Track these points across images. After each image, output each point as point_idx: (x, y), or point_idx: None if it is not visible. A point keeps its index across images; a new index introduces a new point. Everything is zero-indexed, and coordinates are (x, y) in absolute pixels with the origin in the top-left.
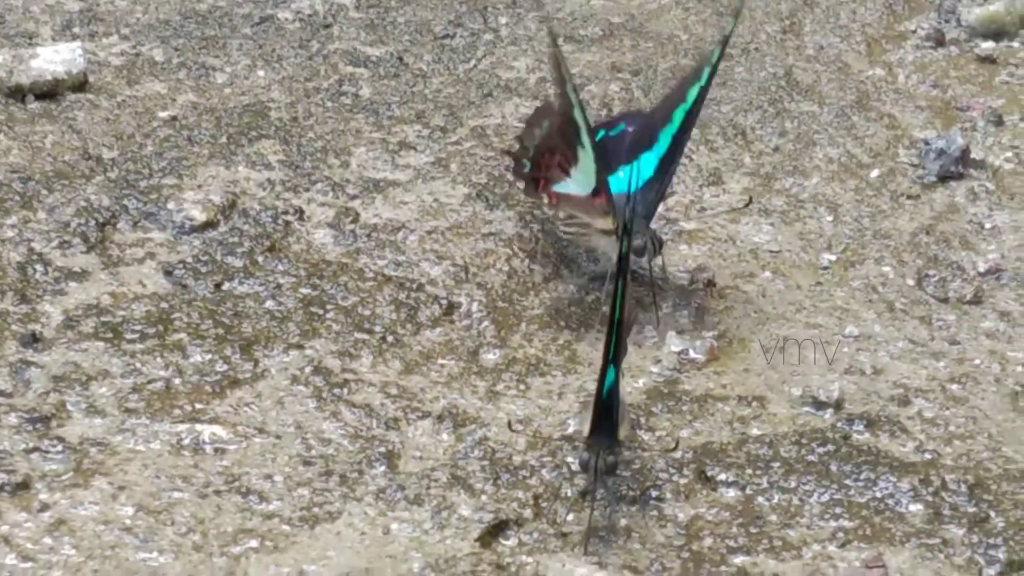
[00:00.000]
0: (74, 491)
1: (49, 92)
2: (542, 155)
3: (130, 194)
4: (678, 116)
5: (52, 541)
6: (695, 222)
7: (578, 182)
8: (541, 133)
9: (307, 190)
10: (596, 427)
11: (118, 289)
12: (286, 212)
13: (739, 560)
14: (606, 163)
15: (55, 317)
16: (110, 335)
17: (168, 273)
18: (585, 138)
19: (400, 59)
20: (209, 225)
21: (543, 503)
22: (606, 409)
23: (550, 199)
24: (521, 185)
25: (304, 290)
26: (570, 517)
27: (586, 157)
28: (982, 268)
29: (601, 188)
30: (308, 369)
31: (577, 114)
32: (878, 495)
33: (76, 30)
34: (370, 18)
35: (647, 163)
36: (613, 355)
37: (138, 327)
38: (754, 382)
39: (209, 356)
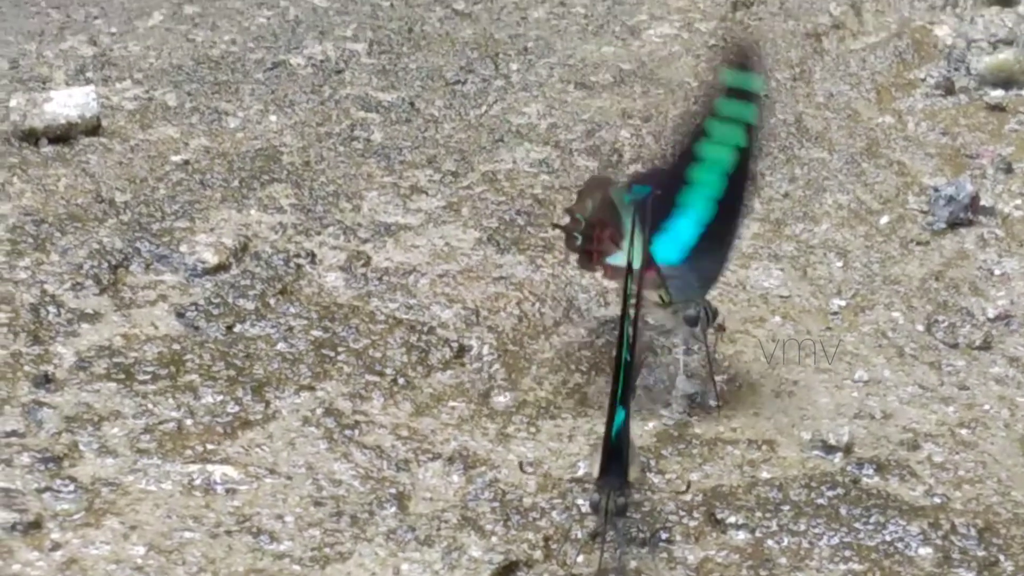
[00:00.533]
0: (86, 530)
1: (62, 136)
2: (593, 228)
3: (142, 237)
4: (706, 177)
5: None
6: None
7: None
8: (593, 205)
9: (319, 233)
10: (605, 468)
11: (130, 331)
12: (298, 255)
13: None
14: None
15: (68, 358)
16: (122, 376)
17: (180, 315)
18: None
19: (412, 104)
20: (221, 268)
21: (553, 544)
22: (615, 451)
23: (605, 271)
24: (575, 257)
25: (316, 332)
26: (580, 559)
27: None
28: (991, 314)
29: (650, 262)
30: (319, 411)
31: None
32: (888, 539)
33: (89, 75)
34: (382, 64)
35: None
36: (621, 396)
37: (150, 368)
38: (764, 426)
39: (221, 397)
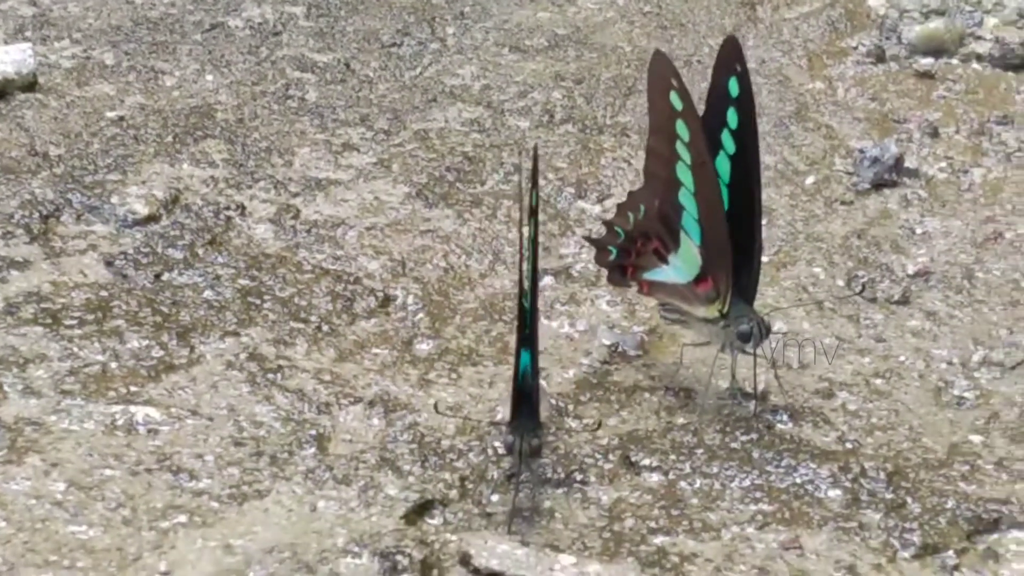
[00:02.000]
0: (7, 467)
1: None
2: (635, 241)
3: (74, 189)
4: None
5: None
6: None
7: (677, 269)
8: (635, 218)
9: (250, 187)
10: (516, 410)
11: (59, 278)
12: (228, 208)
13: (659, 540)
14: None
15: None
16: (49, 321)
17: (109, 264)
18: (690, 222)
19: (347, 66)
20: (151, 219)
21: (469, 485)
22: (525, 393)
23: (640, 287)
24: (606, 273)
25: (243, 281)
26: (495, 498)
27: (689, 243)
28: (911, 270)
29: (707, 275)
30: (243, 355)
31: (684, 196)
32: (798, 481)
33: (28, 34)
34: (319, 27)
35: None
36: (527, 338)
37: (77, 314)
38: (683, 375)
39: (146, 342)
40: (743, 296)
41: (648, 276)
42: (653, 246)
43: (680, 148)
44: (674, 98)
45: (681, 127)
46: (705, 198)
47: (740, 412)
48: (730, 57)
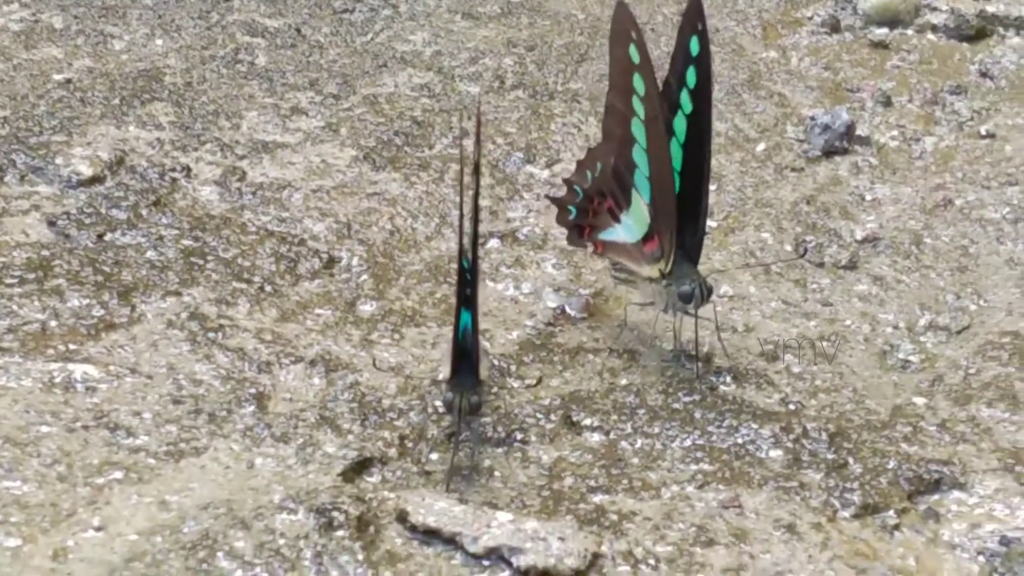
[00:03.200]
0: None
1: None
2: (591, 199)
3: (19, 150)
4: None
5: None
6: None
7: (628, 228)
8: (593, 176)
9: (196, 149)
10: (456, 368)
11: (1, 238)
12: (173, 169)
13: (598, 499)
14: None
15: None
16: None
17: (52, 224)
18: (641, 180)
19: (298, 31)
20: (96, 180)
21: (408, 443)
22: (464, 351)
23: (595, 247)
24: (564, 232)
25: (186, 242)
26: (434, 457)
27: (640, 201)
28: (859, 236)
29: (656, 232)
30: (184, 315)
31: (637, 153)
32: (739, 441)
33: None
34: None
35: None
36: (467, 296)
37: (17, 273)
38: (627, 336)
39: (87, 301)
40: (689, 257)
41: (602, 236)
42: (607, 205)
43: (635, 103)
44: (632, 51)
45: (637, 81)
46: (655, 155)
47: (683, 374)
48: (693, 15)
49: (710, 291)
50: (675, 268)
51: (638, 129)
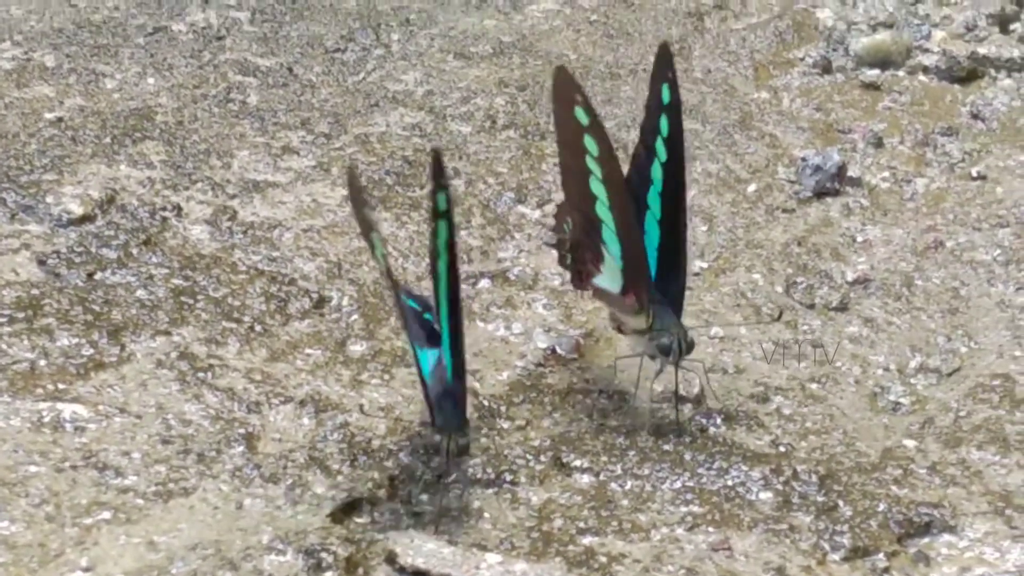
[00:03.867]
0: None
1: None
2: (576, 248)
3: (9, 188)
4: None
5: None
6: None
7: (607, 279)
8: (568, 228)
9: (187, 188)
10: (433, 410)
11: None
12: (164, 208)
13: (587, 540)
14: (642, 257)
15: None
16: None
17: (42, 263)
18: (609, 236)
19: (290, 70)
20: (86, 219)
21: (398, 484)
22: (448, 391)
23: (593, 292)
24: (558, 273)
25: (176, 281)
26: (424, 498)
27: (610, 257)
28: (850, 277)
29: (630, 287)
30: (174, 354)
31: (601, 210)
32: (729, 483)
33: None
34: (263, 31)
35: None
36: (448, 339)
37: (7, 312)
38: (618, 378)
39: (76, 340)
40: (673, 305)
41: (595, 282)
42: (588, 255)
43: (590, 163)
44: (579, 113)
45: (589, 142)
46: (619, 214)
47: (673, 416)
48: (663, 64)
49: (691, 345)
50: (656, 320)
51: (598, 187)
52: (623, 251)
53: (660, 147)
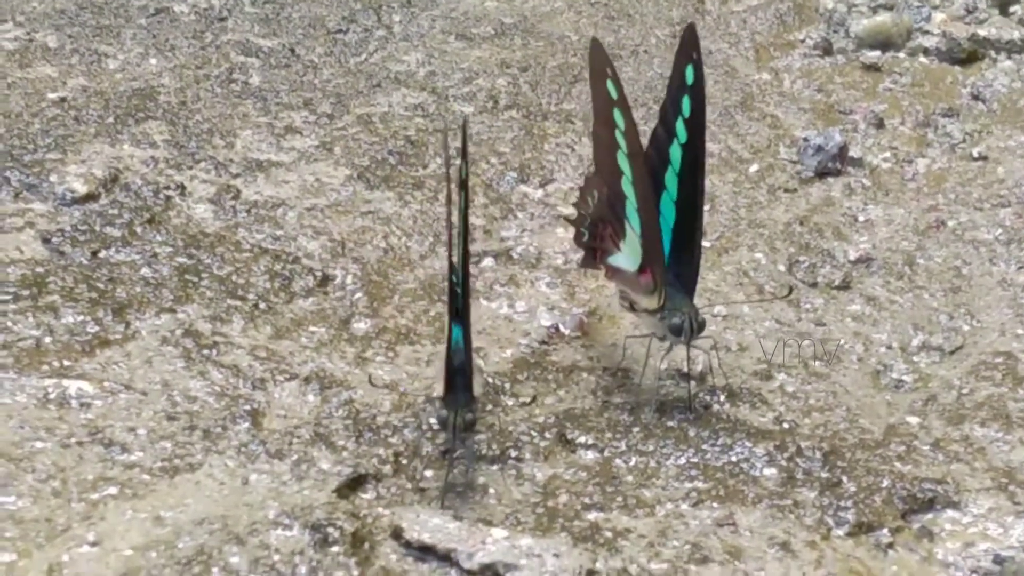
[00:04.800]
0: None
1: None
2: (596, 225)
3: (13, 167)
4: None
5: None
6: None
7: (626, 257)
8: (593, 202)
9: (190, 168)
10: (450, 385)
11: None
12: (168, 187)
13: (592, 516)
14: (658, 235)
15: None
16: None
17: (46, 241)
18: (632, 212)
19: (292, 51)
20: (90, 197)
21: (403, 460)
22: (458, 367)
23: (606, 272)
24: (580, 254)
25: (180, 259)
26: (429, 474)
27: (632, 233)
28: (853, 256)
29: (647, 265)
30: (179, 331)
31: (626, 185)
32: (734, 459)
33: None
34: (265, 13)
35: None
36: (458, 312)
37: (11, 289)
38: (621, 355)
39: (81, 318)
40: (685, 286)
41: (610, 260)
42: (608, 231)
43: (618, 136)
44: (610, 86)
45: (617, 115)
46: (640, 190)
47: (678, 393)
48: (688, 44)
49: (702, 325)
50: (668, 300)
51: (624, 162)
52: (642, 228)
53: (680, 127)
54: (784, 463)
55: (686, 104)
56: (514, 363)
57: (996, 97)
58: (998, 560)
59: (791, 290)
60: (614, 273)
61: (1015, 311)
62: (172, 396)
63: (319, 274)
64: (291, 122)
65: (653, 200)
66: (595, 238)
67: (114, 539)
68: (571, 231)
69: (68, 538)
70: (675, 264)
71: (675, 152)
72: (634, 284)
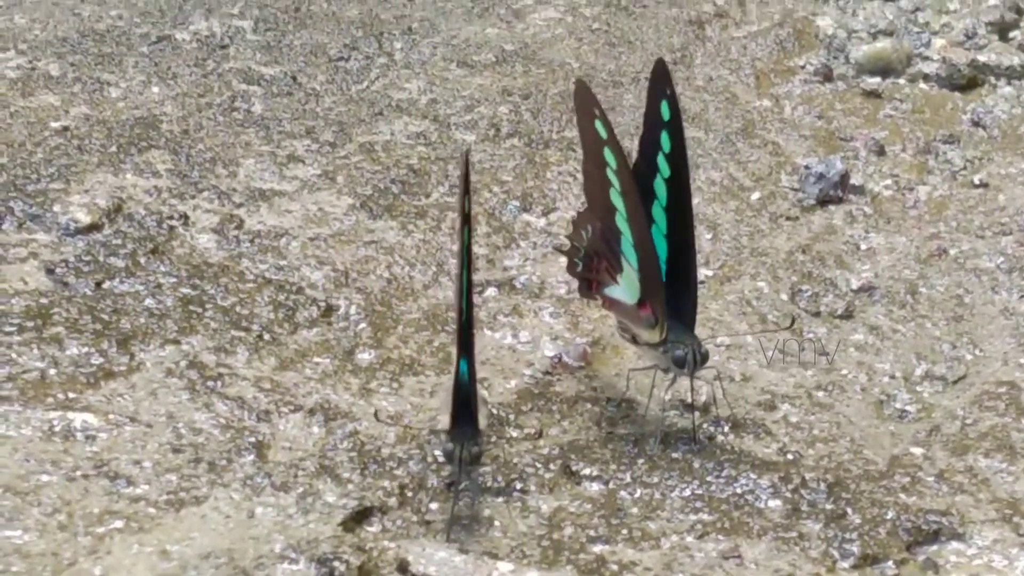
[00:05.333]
0: None
1: None
2: (590, 258)
3: (16, 197)
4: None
5: None
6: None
7: (623, 290)
8: (588, 236)
9: (193, 197)
10: (456, 418)
11: None
12: (171, 217)
13: (598, 549)
14: (657, 270)
15: None
16: None
17: (50, 272)
18: (628, 247)
19: (294, 79)
20: (94, 227)
21: (408, 492)
22: (463, 399)
23: (603, 302)
24: (576, 285)
25: (184, 290)
26: (434, 506)
27: (629, 267)
28: (855, 285)
29: (647, 299)
30: (183, 363)
31: (620, 221)
32: (738, 491)
33: None
34: (267, 40)
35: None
36: (463, 346)
37: (16, 321)
38: (625, 386)
39: (86, 349)
40: (684, 319)
41: (607, 292)
42: (604, 264)
43: (610, 174)
44: (598, 126)
45: (608, 154)
46: (636, 227)
47: (682, 423)
48: (660, 80)
49: (705, 356)
50: (670, 333)
51: (617, 199)
52: (640, 263)
53: (662, 162)
54: (789, 495)
55: (665, 139)
56: (518, 394)
57: (996, 123)
58: None
59: (793, 320)
60: (612, 304)
61: (1017, 340)
62: (177, 428)
63: (323, 304)
64: (293, 151)
65: (650, 236)
66: (590, 269)
67: (121, 573)
68: None
69: (75, 572)
70: (673, 297)
71: (659, 186)
72: (634, 317)
